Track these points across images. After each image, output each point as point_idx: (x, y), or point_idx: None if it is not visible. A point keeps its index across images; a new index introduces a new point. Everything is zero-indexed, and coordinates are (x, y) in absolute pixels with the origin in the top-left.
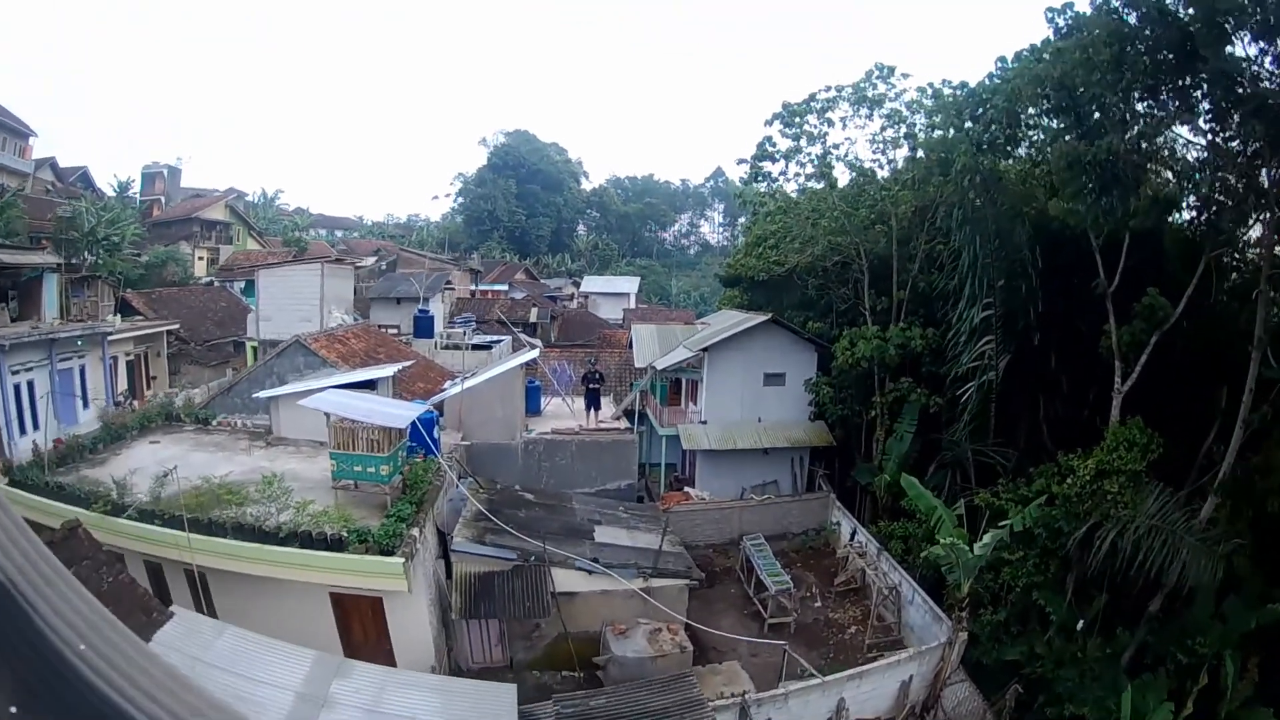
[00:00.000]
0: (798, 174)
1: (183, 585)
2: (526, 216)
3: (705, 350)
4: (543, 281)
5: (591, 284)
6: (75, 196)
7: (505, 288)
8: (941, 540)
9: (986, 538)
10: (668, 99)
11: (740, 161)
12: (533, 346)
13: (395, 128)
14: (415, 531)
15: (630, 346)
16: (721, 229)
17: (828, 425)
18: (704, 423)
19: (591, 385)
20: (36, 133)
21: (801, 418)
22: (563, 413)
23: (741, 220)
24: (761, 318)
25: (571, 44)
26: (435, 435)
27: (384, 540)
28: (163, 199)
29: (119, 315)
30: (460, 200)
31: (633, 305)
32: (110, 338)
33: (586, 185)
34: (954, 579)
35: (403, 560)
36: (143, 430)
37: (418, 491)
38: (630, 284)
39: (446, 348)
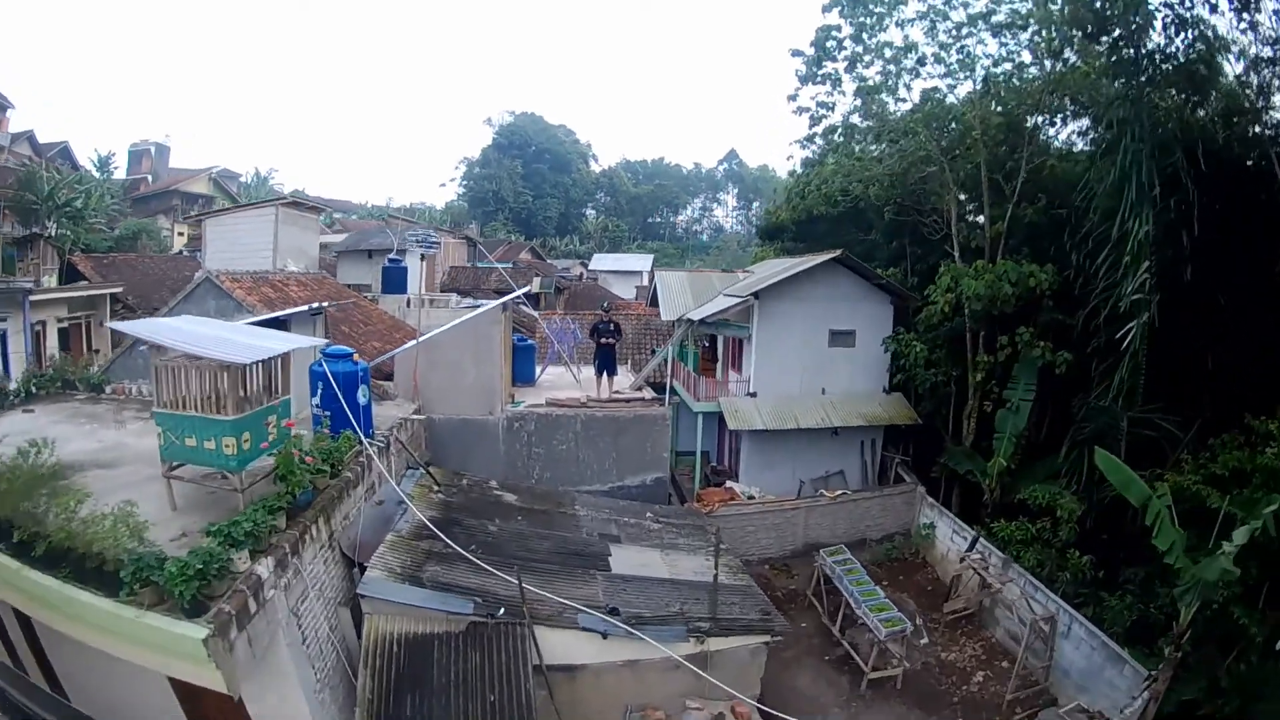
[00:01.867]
0: (862, 85)
1: (14, 622)
2: (533, 198)
3: (756, 295)
4: (550, 262)
5: (601, 262)
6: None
7: (509, 266)
8: (1163, 545)
9: (1239, 534)
10: (677, 80)
11: (795, 54)
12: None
13: (401, 117)
14: (263, 568)
15: (653, 302)
16: (736, 213)
17: (908, 397)
18: (753, 395)
19: (604, 340)
20: (14, 104)
21: (875, 388)
22: (564, 383)
23: (756, 205)
24: (826, 256)
25: (578, 25)
26: (362, 400)
27: (179, 584)
28: (149, 178)
29: (53, 278)
30: (466, 184)
31: (646, 284)
32: (33, 298)
33: (596, 167)
34: (1185, 602)
35: (209, 631)
36: (28, 397)
37: (293, 489)
38: (643, 262)
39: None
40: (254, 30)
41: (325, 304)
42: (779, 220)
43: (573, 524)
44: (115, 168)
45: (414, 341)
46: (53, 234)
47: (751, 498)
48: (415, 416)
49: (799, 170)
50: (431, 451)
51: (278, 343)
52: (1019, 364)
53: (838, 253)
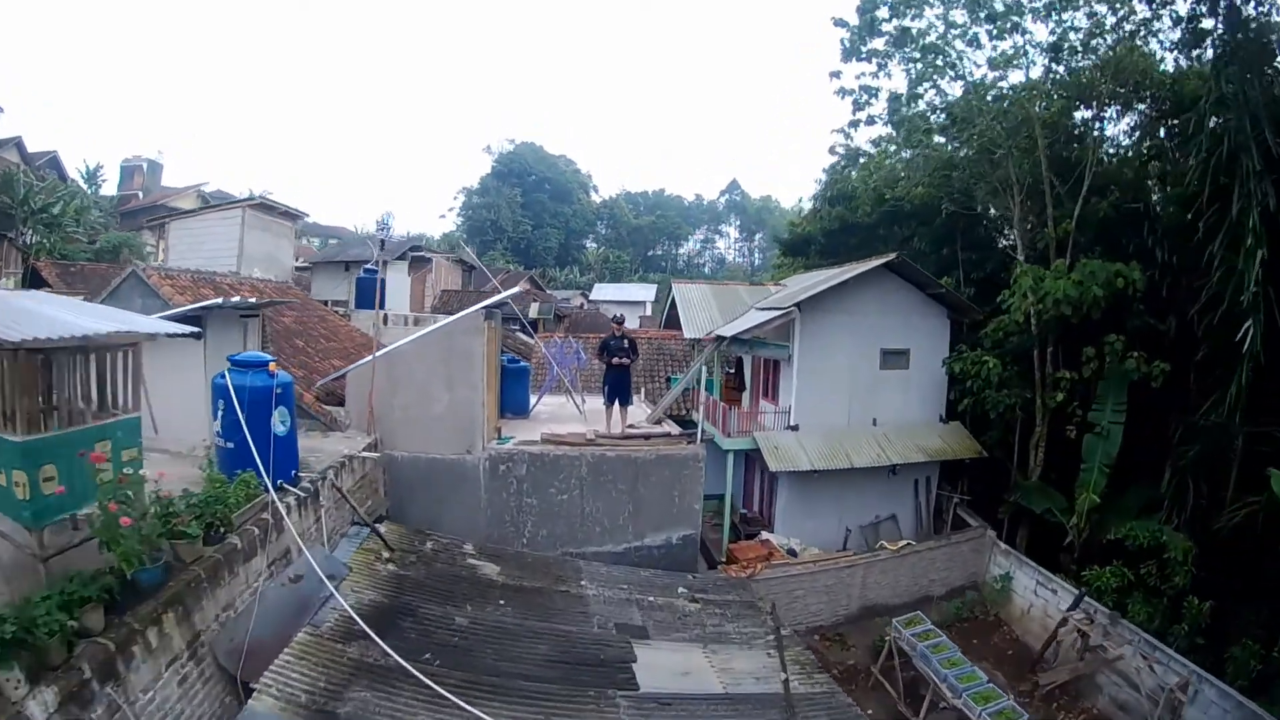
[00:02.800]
0: (921, 45)
1: None
2: (533, 227)
3: (799, 306)
4: (550, 293)
5: (602, 292)
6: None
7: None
8: None
9: None
10: (677, 110)
11: (838, 23)
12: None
13: (400, 147)
14: (38, 706)
15: (667, 324)
16: (739, 244)
17: (966, 426)
18: (794, 428)
19: (615, 360)
20: (2, 108)
21: (931, 416)
22: (566, 414)
23: (760, 236)
24: (877, 260)
25: (578, 55)
26: (279, 428)
27: None
28: (140, 194)
29: (11, 283)
30: (464, 213)
31: (650, 314)
32: None
33: (596, 198)
34: None
35: None
36: None
37: (122, 564)
38: (646, 291)
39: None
40: (254, 54)
41: (252, 299)
42: (805, 232)
43: (578, 609)
44: (104, 180)
45: (370, 356)
46: (28, 240)
47: (792, 552)
48: (367, 454)
49: (823, 178)
50: (391, 500)
51: (92, 320)
52: (1103, 380)
53: (891, 256)
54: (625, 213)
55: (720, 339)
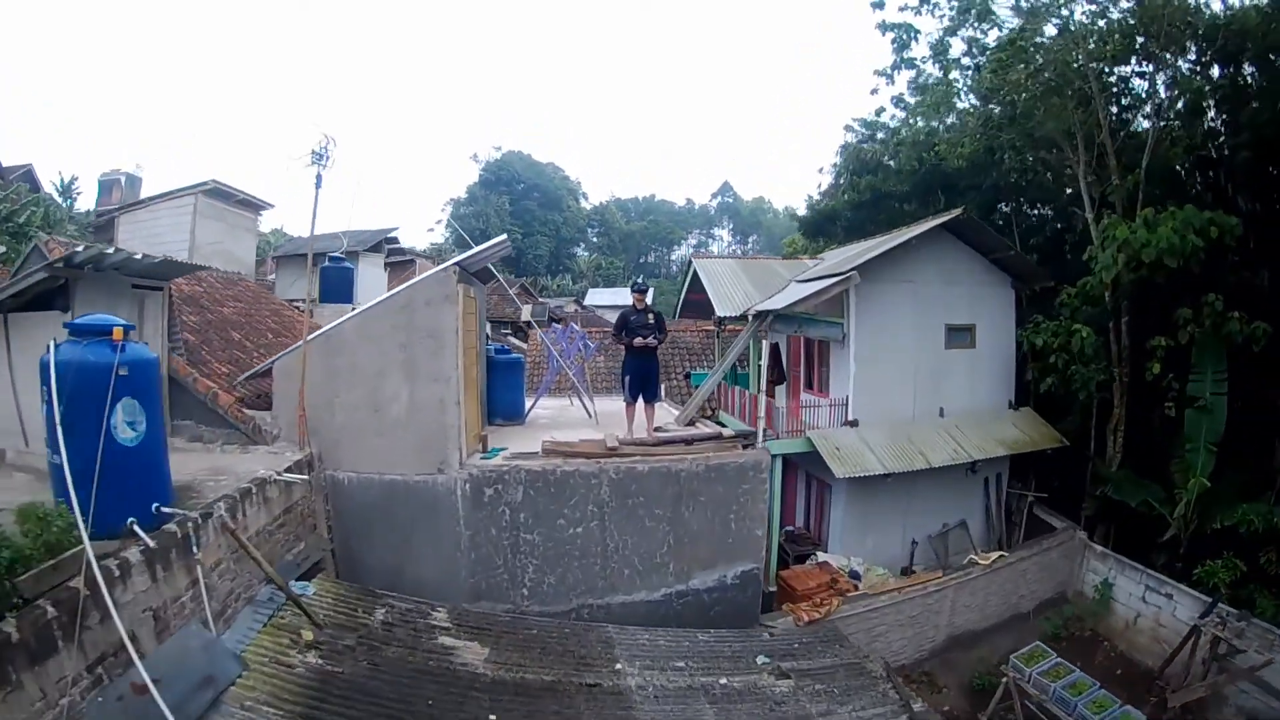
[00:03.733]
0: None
1: None
2: (523, 235)
3: (859, 270)
4: (543, 301)
5: (597, 297)
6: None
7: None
8: None
9: None
10: (665, 114)
11: None
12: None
13: (386, 161)
14: None
15: (683, 312)
16: (732, 248)
17: (1040, 411)
18: (853, 423)
19: (640, 340)
20: None
21: (1000, 402)
22: (571, 419)
23: (754, 238)
24: (937, 220)
25: (559, 67)
26: (126, 431)
27: None
28: (119, 208)
29: None
30: (452, 225)
31: None
32: None
33: (586, 205)
34: None
35: None
36: None
37: None
38: None
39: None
40: (235, 69)
41: (139, 254)
42: (829, 208)
43: (617, 716)
44: (79, 193)
45: (301, 341)
46: None
47: (855, 575)
48: (294, 476)
49: (840, 151)
50: (336, 542)
51: None
52: (1196, 346)
53: (956, 212)
54: (616, 218)
55: (762, 315)
